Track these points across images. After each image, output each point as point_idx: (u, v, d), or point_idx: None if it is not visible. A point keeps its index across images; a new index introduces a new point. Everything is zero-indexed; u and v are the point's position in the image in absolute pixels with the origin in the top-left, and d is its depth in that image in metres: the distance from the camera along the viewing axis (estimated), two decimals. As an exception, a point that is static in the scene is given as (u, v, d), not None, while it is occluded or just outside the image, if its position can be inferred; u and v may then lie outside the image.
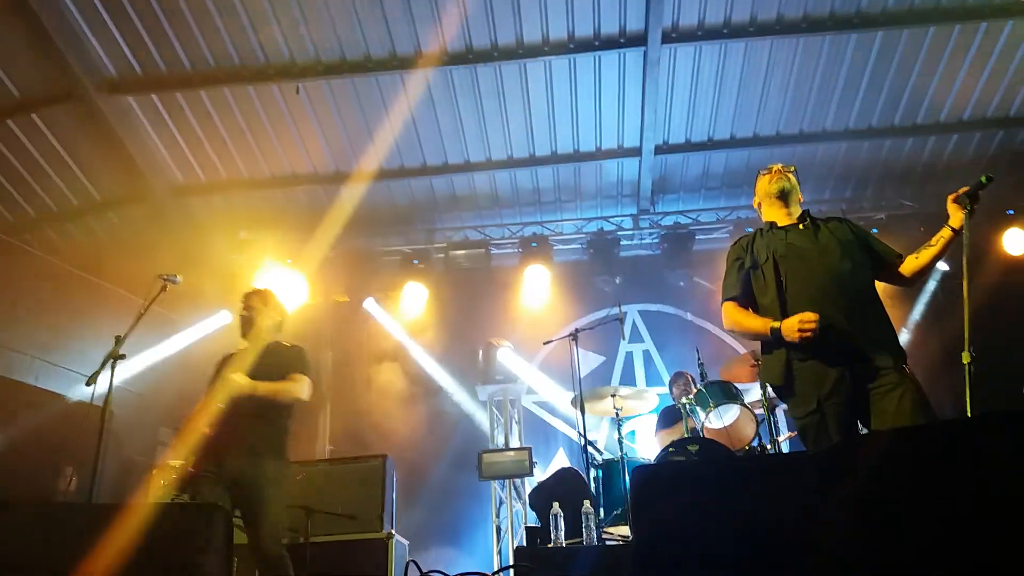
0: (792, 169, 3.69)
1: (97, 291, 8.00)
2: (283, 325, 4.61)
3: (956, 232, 3.29)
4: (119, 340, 4.10)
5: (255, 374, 4.12)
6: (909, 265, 3.44)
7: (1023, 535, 1.65)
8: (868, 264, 3.45)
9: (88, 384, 3.93)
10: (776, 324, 3.25)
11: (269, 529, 3.85)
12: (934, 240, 3.36)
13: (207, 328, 8.76)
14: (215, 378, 4.31)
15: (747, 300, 3.55)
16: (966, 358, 2.89)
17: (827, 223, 3.57)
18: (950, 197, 3.29)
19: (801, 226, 3.54)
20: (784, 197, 3.59)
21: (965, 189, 3.25)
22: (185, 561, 2.39)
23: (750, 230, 3.81)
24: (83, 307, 7.78)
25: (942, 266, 7.98)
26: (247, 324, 4.45)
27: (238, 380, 3.99)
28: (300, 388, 4.19)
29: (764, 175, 3.72)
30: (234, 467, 3.93)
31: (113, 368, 4.05)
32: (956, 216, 3.28)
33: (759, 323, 3.38)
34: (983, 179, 3.23)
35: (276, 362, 4.24)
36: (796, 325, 3.16)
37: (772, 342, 3.36)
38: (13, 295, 7.30)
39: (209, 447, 3.99)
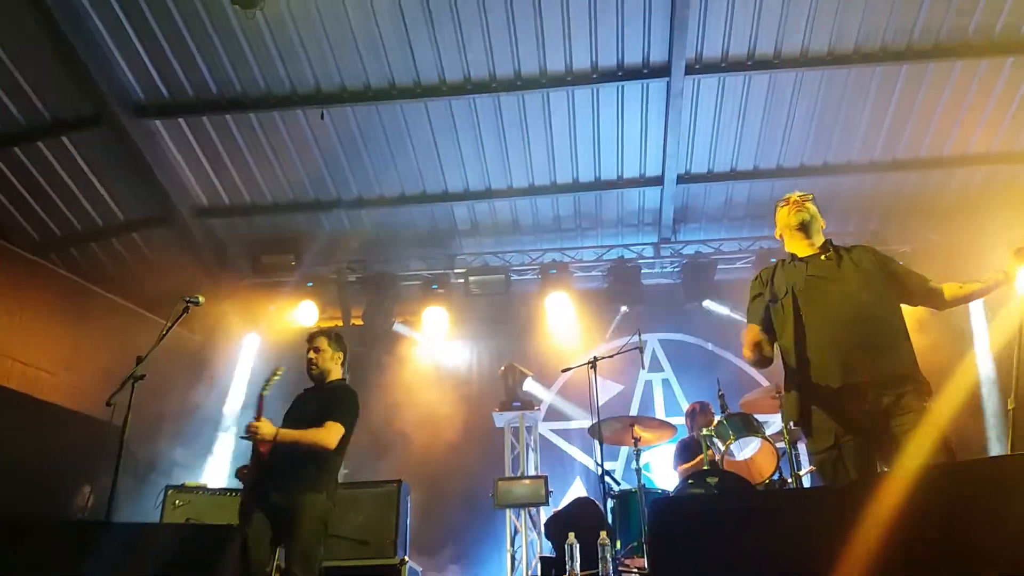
0: (810, 197, 3.62)
1: (119, 311, 8.08)
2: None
3: (1008, 277, 3.26)
4: (140, 360, 4.13)
5: (299, 416, 4.29)
6: (950, 292, 3.40)
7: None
8: (892, 293, 3.40)
9: (108, 404, 3.95)
10: (758, 337, 3.41)
11: (299, 557, 3.90)
12: (984, 278, 3.33)
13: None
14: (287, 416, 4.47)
15: (769, 332, 3.50)
16: (1011, 404, 2.93)
17: (850, 252, 3.52)
18: (1014, 249, 3.26)
19: (824, 257, 3.48)
20: (804, 228, 3.55)
21: None
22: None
23: (773, 260, 3.77)
24: (103, 325, 7.85)
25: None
26: (311, 366, 4.57)
27: (262, 429, 4.10)
28: (326, 436, 4.22)
29: (782, 206, 3.67)
30: (276, 500, 4.05)
31: (133, 388, 4.07)
32: (1012, 265, 3.25)
33: (749, 330, 3.50)
34: None
35: (321, 406, 4.34)
36: (748, 342, 3.36)
37: (788, 375, 3.36)
38: (37, 313, 7.39)
39: (257, 482, 4.14)
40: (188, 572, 2.43)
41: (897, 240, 8.69)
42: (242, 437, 4.18)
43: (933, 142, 8.03)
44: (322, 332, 4.72)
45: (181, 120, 7.72)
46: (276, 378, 4.46)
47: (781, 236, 3.73)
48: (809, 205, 3.60)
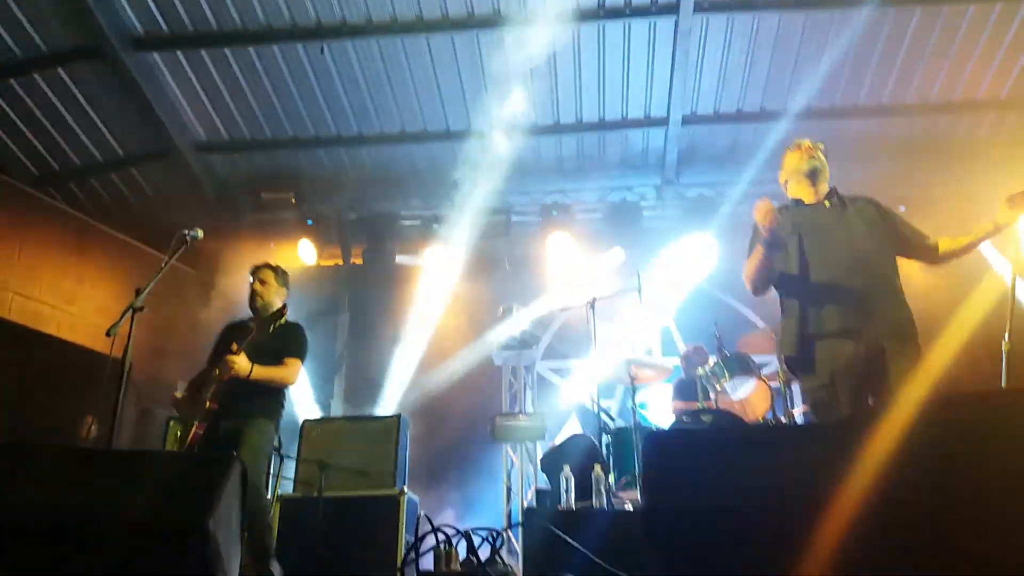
0: (821, 147, 3.63)
1: (118, 245, 8.08)
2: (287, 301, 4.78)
3: (998, 227, 3.27)
4: (139, 293, 4.14)
5: (257, 353, 4.29)
6: (944, 246, 3.45)
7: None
8: (892, 245, 3.45)
9: (108, 335, 3.97)
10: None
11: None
12: (975, 230, 3.35)
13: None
14: (220, 346, 4.56)
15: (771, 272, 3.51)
16: (1006, 346, 2.97)
17: (855, 202, 3.55)
18: (1006, 197, 3.24)
19: (828, 204, 3.52)
20: (813, 176, 3.57)
21: (1023, 191, 3.21)
22: (200, 508, 2.42)
23: (777, 204, 3.77)
24: (104, 260, 7.87)
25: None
26: (257, 298, 4.63)
27: (240, 364, 4.18)
28: (291, 374, 4.45)
29: (794, 151, 3.67)
30: (228, 427, 4.19)
31: (132, 320, 4.09)
32: (1006, 214, 3.23)
33: (752, 253, 3.46)
34: None
35: (277, 343, 4.41)
36: (762, 211, 3.26)
37: (788, 313, 3.37)
38: (37, 248, 7.39)
39: (208, 413, 4.19)
40: (190, 498, 2.47)
41: (903, 186, 8.61)
42: (218, 371, 4.22)
43: (943, 87, 7.90)
44: (268, 265, 4.75)
45: (179, 54, 7.58)
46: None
47: (786, 182, 3.73)
48: (820, 154, 3.60)
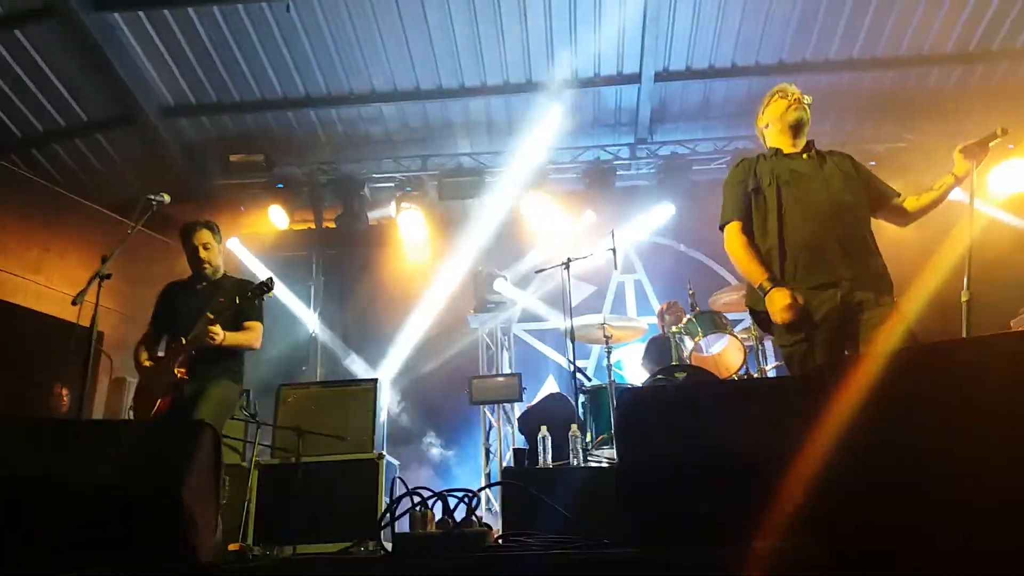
0: (808, 100, 3.57)
1: (85, 213, 7.92)
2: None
3: (958, 179, 3.29)
4: (105, 260, 4.07)
5: (219, 313, 4.23)
6: (909, 205, 3.45)
7: (1014, 454, 1.67)
8: (866, 201, 3.46)
9: (73, 303, 3.92)
10: (768, 286, 3.24)
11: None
12: (936, 185, 3.36)
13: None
14: (168, 309, 4.47)
15: (748, 222, 3.51)
16: (964, 296, 2.97)
17: (831, 155, 3.55)
18: (959, 147, 3.26)
19: (806, 156, 3.51)
20: (798, 127, 3.53)
21: (975, 140, 3.22)
22: (174, 477, 2.41)
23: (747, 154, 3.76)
24: (71, 228, 7.71)
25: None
26: (205, 264, 4.49)
27: (216, 333, 4.15)
28: (256, 338, 4.44)
29: (780, 99, 3.61)
30: (189, 390, 4.15)
31: (100, 288, 4.03)
32: (962, 165, 3.26)
33: (755, 272, 3.35)
34: (999, 131, 3.19)
35: (234, 304, 4.32)
36: (781, 308, 3.15)
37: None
38: (1, 216, 7.23)
39: (178, 383, 4.15)
40: (163, 467, 2.46)
41: (872, 139, 8.69)
42: (189, 340, 4.18)
43: (912, 40, 7.90)
44: (202, 224, 4.57)
45: (141, 14, 7.36)
46: (268, 294, 4.43)
47: (765, 127, 3.69)
48: (806, 107, 3.56)
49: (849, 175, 3.45)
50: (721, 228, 3.59)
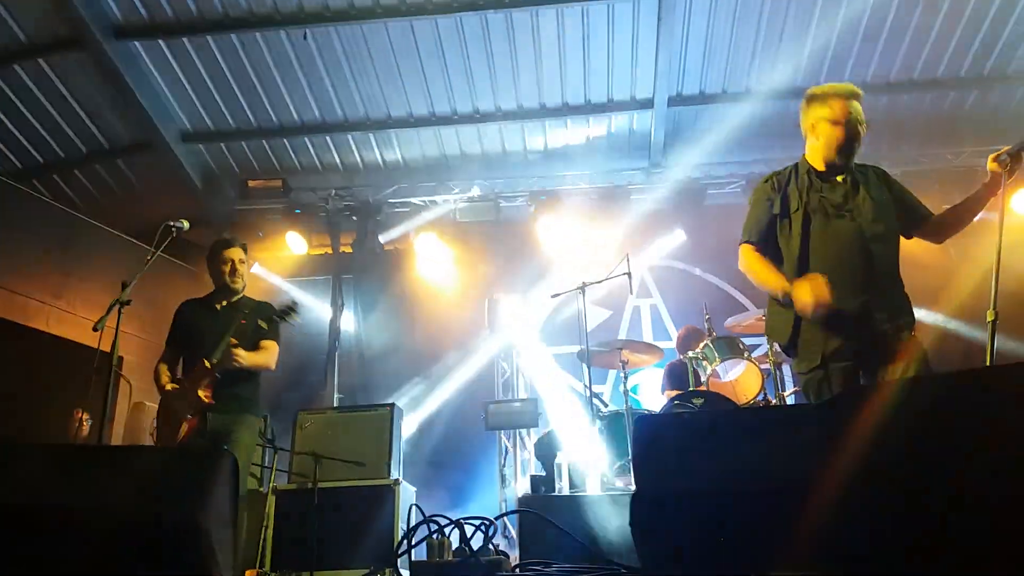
0: (865, 130, 3.34)
1: (105, 238, 8.01)
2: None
3: (989, 190, 3.21)
4: (125, 286, 4.11)
5: (241, 336, 4.26)
6: (941, 220, 3.37)
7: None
8: (898, 226, 3.35)
9: (95, 329, 3.94)
10: (789, 287, 3.15)
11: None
12: (970, 199, 3.29)
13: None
14: (189, 329, 4.45)
15: (766, 245, 3.41)
16: (991, 316, 2.90)
17: (866, 176, 3.39)
18: (991, 156, 3.17)
19: (840, 178, 3.35)
20: (848, 154, 3.31)
21: (1007, 148, 3.14)
22: (193, 504, 2.42)
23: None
24: (92, 254, 7.80)
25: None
26: (237, 278, 4.52)
27: (240, 357, 4.16)
28: (272, 359, 4.43)
29: (832, 119, 3.30)
30: (215, 422, 4.15)
31: (120, 313, 4.06)
32: (994, 175, 3.18)
33: (775, 281, 3.26)
34: None
35: (256, 326, 4.35)
36: (809, 291, 3.05)
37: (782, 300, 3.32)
38: (22, 242, 7.32)
39: (198, 405, 4.15)
40: (183, 494, 2.47)
41: (909, 162, 8.52)
42: (214, 363, 4.18)
43: (926, 64, 7.91)
44: (237, 242, 4.62)
45: (161, 42, 7.52)
46: (297, 318, 4.45)
47: (810, 129, 3.40)
48: (860, 136, 3.32)
49: (882, 203, 3.31)
50: (740, 244, 3.50)
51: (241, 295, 4.58)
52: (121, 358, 4.14)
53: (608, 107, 8.41)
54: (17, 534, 2.34)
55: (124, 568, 2.31)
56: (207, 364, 4.19)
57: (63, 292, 7.53)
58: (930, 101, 8.37)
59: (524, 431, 7.72)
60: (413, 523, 2.21)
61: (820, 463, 2.04)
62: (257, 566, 4.65)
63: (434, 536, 2.40)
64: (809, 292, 3.05)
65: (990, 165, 3.19)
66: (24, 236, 7.34)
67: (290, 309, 4.41)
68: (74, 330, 7.30)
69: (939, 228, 3.40)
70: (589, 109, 8.41)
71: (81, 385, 6.52)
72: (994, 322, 2.90)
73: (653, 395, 7.46)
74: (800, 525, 2.09)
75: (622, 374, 5.99)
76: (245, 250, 4.62)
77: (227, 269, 4.48)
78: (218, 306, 4.51)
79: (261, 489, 5.26)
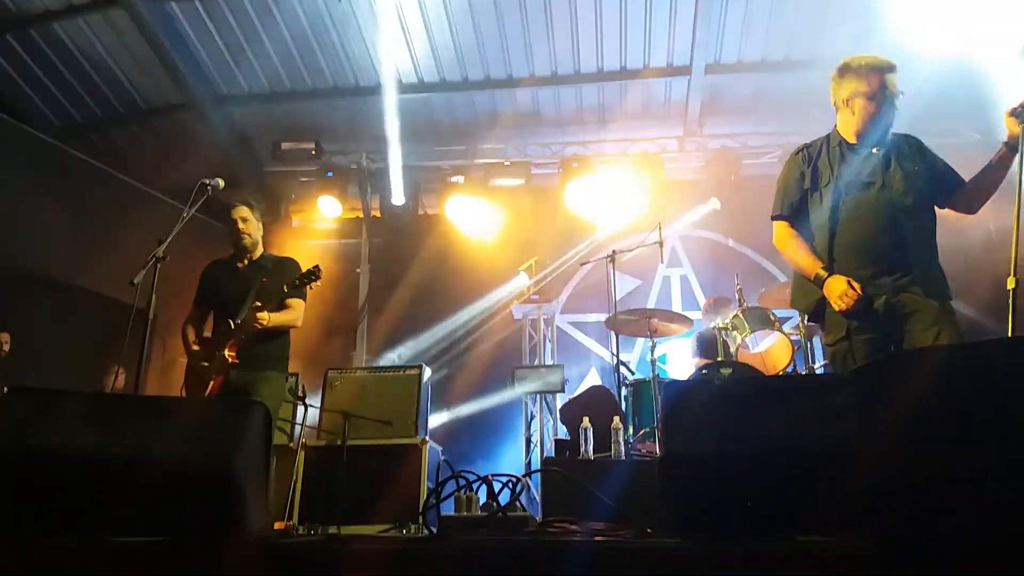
0: (901, 97, 3.30)
1: (143, 198, 8.12)
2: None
3: (1011, 147, 3.08)
4: (161, 243, 4.16)
5: (264, 295, 4.31)
6: (970, 188, 3.28)
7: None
8: (932, 196, 3.31)
9: (131, 284, 4.00)
10: (824, 275, 3.17)
11: None
12: (993, 160, 3.17)
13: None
14: (212, 288, 4.54)
15: (799, 219, 3.42)
16: (1011, 283, 2.82)
17: (900, 148, 3.34)
18: (1007, 110, 3.06)
19: (875, 149, 3.30)
20: (885, 128, 3.31)
21: (1023, 101, 3.03)
22: (227, 454, 2.47)
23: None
24: (128, 212, 7.91)
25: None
26: (245, 237, 4.55)
27: (263, 319, 4.20)
28: (298, 316, 4.48)
29: (868, 93, 3.25)
30: (238, 378, 4.22)
31: (156, 270, 4.12)
32: (1011, 126, 3.06)
33: (808, 264, 3.26)
34: None
35: (278, 282, 4.40)
36: (840, 294, 3.08)
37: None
38: (61, 199, 7.44)
39: (224, 365, 4.22)
40: (215, 443, 2.51)
41: (936, 136, 8.35)
42: (238, 324, 4.24)
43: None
44: (241, 200, 4.63)
45: (197, 3, 7.52)
46: (316, 283, 4.46)
47: (845, 105, 3.35)
48: (895, 105, 3.28)
49: (914, 174, 3.26)
50: (772, 219, 3.51)
51: (261, 251, 4.63)
52: (156, 315, 4.20)
53: (644, 73, 8.28)
54: (57, 479, 2.40)
55: (160, 515, 2.37)
56: (231, 325, 4.27)
57: (99, 249, 7.65)
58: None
59: (549, 396, 7.77)
60: (442, 477, 2.25)
61: (851, 430, 2.03)
62: (285, 518, 4.75)
63: (462, 491, 2.43)
64: (837, 298, 3.09)
65: (1007, 122, 3.07)
66: (62, 194, 7.45)
67: (312, 274, 4.42)
68: (111, 286, 7.42)
69: (969, 197, 3.32)
70: (625, 75, 8.30)
71: (117, 341, 6.66)
72: (1014, 290, 2.82)
73: (681, 365, 7.44)
74: (830, 491, 2.10)
75: (650, 343, 5.98)
76: (251, 206, 4.64)
77: (234, 228, 4.56)
78: (239, 265, 4.58)
79: (291, 445, 5.36)
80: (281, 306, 4.39)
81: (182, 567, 2.01)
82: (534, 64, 8.19)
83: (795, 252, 3.36)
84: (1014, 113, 3.04)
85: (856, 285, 3.09)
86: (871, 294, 3.12)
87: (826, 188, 3.31)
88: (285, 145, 8.83)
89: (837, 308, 3.11)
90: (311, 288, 4.47)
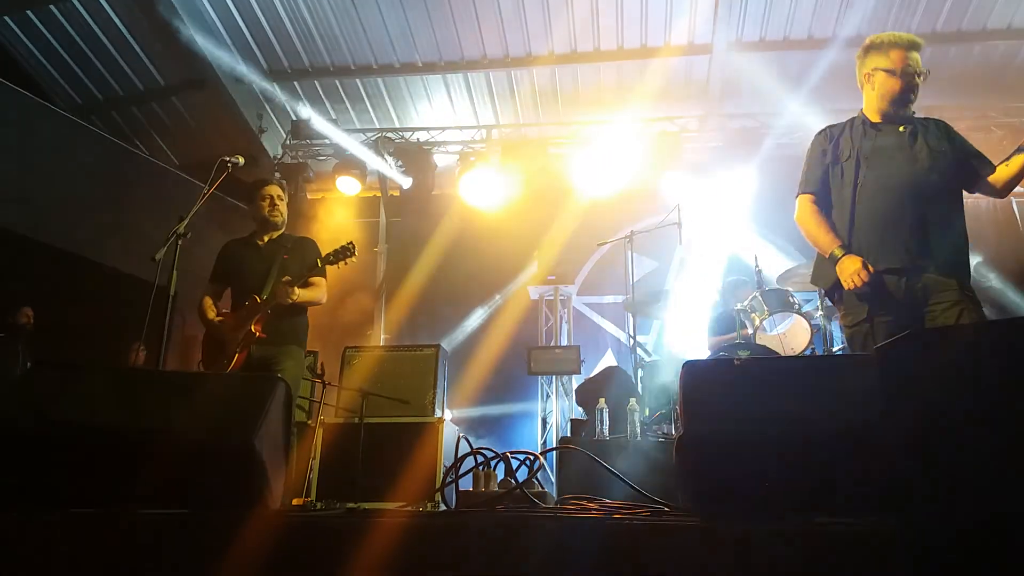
0: (924, 77, 3.29)
1: (163, 175, 8.16)
2: None
3: None
4: (182, 220, 4.18)
5: (286, 272, 4.34)
6: (1000, 174, 3.21)
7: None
8: (958, 177, 3.26)
9: (153, 260, 4.03)
10: (839, 253, 3.16)
11: None
12: (1021, 146, 3.12)
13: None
14: (232, 267, 4.56)
15: (822, 195, 3.40)
16: None
17: (927, 127, 3.32)
18: None
19: (901, 128, 3.28)
20: (904, 103, 3.28)
21: None
22: (248, 426, 2.49)
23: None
24: (149, 189, 7.96)
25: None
26: (276, 213, 4.60)
27: (293, 294, 4.23)
28: (323, 293, 4.54)
29: (890, 68, 3.26)
30: (260, 353, 4.25)
31: (177, 247, 4.14)
32: None
33: (826, 241, 3.26)
34: None
35: (300, 261, 4.44)
36: (851, 273, 3.08)
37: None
38: (81, 177, 7.49)
39: (250, 339, 4.25)
40: (237, 418, 2.54)
41: (955, 118, 8.28)
42: (264, 299, 4.26)
43: (999, 12, 7.53)
44: (274, 180, 4.75)
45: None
46: (353, 259, 4.48)
47: (865, 80, 3.38)
48: (918, 85, 3.28)
49: (940, 152, 3.22)
50: (796, 196, 3.50)
51: (282, 231, 4.67)
52: (176, 292, 4.23)
53: (664, 51, 8.19)
54: (81, 452, 2.44)
55: (180, 485, 2.40)
56: (257, 299, 4.28)
57: (119, 226, 7.71)
58: (1001, 51, 7.99)
59: (566, 377, 7.77)
60: (460, 454, 2.26)
61: (872, 410, 2.02)
62: (304, 495, 4.80)
63: (479, 468, 2.44)
64: (848, 277, 3.10)
65: None
66: (83, 171, 7.51)
67: (347, 250, 4.43)
68: (131, 263, 7.48)
69: (999, 180, 3.25)
70: (645, 53, 8.21)
71: (138, 316, 6.72)
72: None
73: (697, 346, 7.42)
74: (844, 471, 2.09)
75: (666, 324, 5.96)
76: (283, 188, 4.74)
77: (266, 205, 4.60)
78: (260, 242, 4.61)
79: (310, 422, 5.40)
80: (305, 283, 4.41)
81: (204, 539, 2.04)
82: (553, 42, 8.11)
83: (815, 228, 3.35)
84: None
85: (870, 267, 3.07)
86: (890, 275, 3.10)
87: (847, 162, 3.30)
88: (303, 124, 8.84)
89: (847, 287, 3.12)
90: (342, 266, 4.47)
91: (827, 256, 3.24)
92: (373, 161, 9.09)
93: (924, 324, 3.08)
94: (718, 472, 2.20)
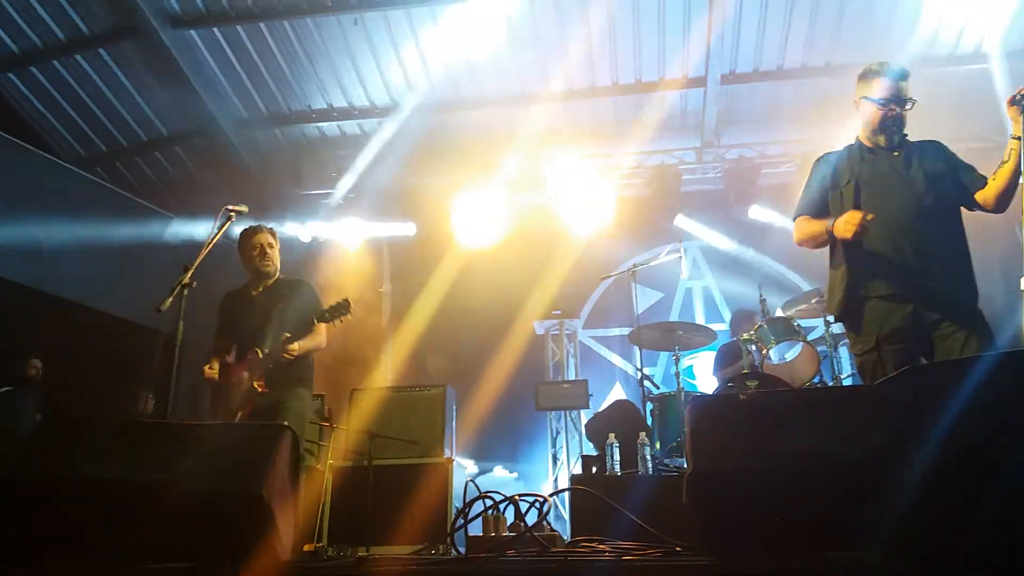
0: (911, 107, 3.36)
1: (167, 223, 8.24)
2: None
3: (1018, 139, 3.00)
4: (187, 269, 4.20)
5: (286, 323, 4.32)
6: (991, 189, 3.21)
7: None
8: (956, 198, 3.28)
9: (158, 310, 4.04)
10: (831, 223, 3.23)
11: None
12: (1005, 155, 3.09)
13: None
14: (231, 321, 4.56)
15: (819, 219, 3.42)
16: None
17: (922, 149, 3.36)
18: (1007, 99, 3.03)
19: (896, 153, 3.33)
20: (892, 135, 3.35)
21: (1022, 88, 2.99)
22: (256, 477, 2.49)
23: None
24: (155, 239, 8.03)
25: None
26: (268, 262, 4.58)
27: (293, 350, 4.25)
28: (323, 339, 4.51)
29: (873, 97, 3.34)
30: (265, 401, 4.24)
31: (183, 296, 4.16)
32: (1017, 121, 3.00)
33: (819, 227, 3.33)
34: None
35: (297, 309, 4.43)
36: (845, 220, 3.14)
37: (837, 262, 3.34)
38: (87, 227, 7.56)
39: (252, 395, 4.25)
40: (244, 467, 2.54)
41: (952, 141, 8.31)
42: (266, 353, 4.26)
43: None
44: (264, 227, 4.69)
45: (216, 30, 7.65)
46: (348, 317, 4.45)
47: (856, 108, 3.47)
48: (904, 117, 3.35)
49: (936, 175, 3.26)
50: (793, 219, 3.57)
51: (275, 278, 4.65)
52: (183, 341, 4.23)
53: (659, 85, 8.28)
54: (89, 505, 2.44)
55: (188, 537, 2.39)
56: (259, 354, 4.29)
57: (125, 275, 7.76)
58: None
59: (575, 412, 7.73)
60: (469, 498, 2.25)
61: (880, 443, 2.02)
62: (315, 540, 4.76)
63: (489, 512, 2.43)
64: (843, 223, 3.16)
65: (1009, 112, 3.02)
66: (88, 221, 7.58)
67: (342, 308, 4.42)
68: (137, 312, 7.52)
69: (989, 196, 3.25)
70: (640, 88, 8.30)
71: (145, 366, 6.75)
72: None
73: (706, 378, 7.40)
74: (858, 506, 2.08)
75: (674, 356, 5.95)
76: (273, 234, 4.69)
77: (256, 255, 4.57)
78: (254, 293, 4.61)
79: (319, 466, 5.38)
80: (297, 329, 4.40)
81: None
82: (548, 80, 8.20)
83: (808, 227, 3.44)
84: (1014, 101, 3.01)
85: (869, 215, 3.11)
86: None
87: (847, 187, 3.34)
88: (306, 169, 8.94)
89: (840, 235, 3.17)
90: (338, 323, 4.46)
91: (826, 235, 3.30)
92: (376, 203, 9.15)
93: (933, 349, 3.08)
94: (727, 509, 2.19)
